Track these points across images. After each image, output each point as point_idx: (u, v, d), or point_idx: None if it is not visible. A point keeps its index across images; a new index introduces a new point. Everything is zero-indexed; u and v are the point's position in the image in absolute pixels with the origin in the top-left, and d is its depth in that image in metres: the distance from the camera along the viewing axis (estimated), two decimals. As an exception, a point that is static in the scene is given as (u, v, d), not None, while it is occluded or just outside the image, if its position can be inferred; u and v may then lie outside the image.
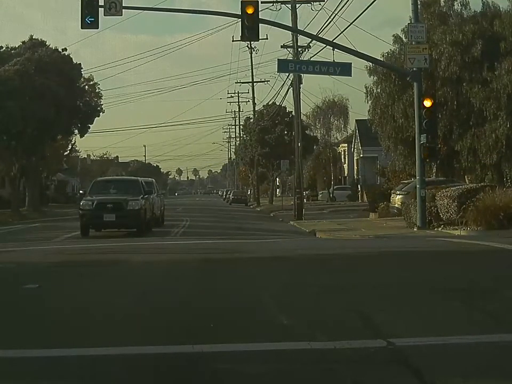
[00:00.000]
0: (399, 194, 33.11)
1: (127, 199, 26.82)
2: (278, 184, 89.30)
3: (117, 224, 27.00)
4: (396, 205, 32.58)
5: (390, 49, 33.99)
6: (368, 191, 46.69)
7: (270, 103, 68.31)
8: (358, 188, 65.58)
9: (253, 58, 75.06)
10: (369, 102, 34.74)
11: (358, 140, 66.76)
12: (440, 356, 6.58)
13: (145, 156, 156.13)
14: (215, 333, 7.81)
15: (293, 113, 46.85)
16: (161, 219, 33.64)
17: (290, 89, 43.93)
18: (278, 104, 64.22)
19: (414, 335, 7.38)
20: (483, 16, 32.07)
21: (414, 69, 25.57)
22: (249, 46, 70.21)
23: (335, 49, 26.41)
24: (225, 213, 52.00)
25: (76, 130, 55.96)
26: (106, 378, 6.35)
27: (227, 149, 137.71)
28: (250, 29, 23.95)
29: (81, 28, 23.82)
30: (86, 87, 56.29)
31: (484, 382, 5.96)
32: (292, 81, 42.56)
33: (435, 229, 24.74)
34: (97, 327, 8.40)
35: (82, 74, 54.34)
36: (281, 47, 41.51)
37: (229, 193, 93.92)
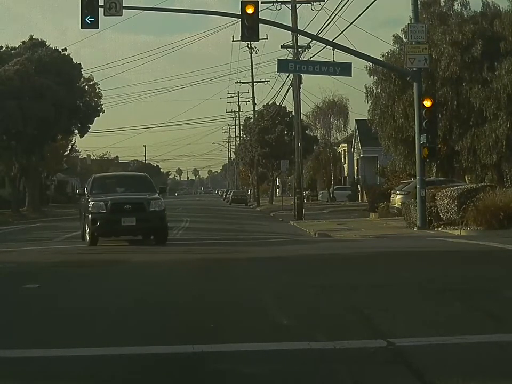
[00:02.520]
0: (399, 194, 33.10)
1: (148, 198, 21.66)
2: (278, 184, 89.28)
3: (137, 229, 21.61)
4: (396, 205, 32.57)
5: (390, 49, 34.00)
6: (368, 191, 46.68)
7: (270, 103, 68.36)
8: (358, 188, 65.56)
9: (253, 58, 75.03)
10: (369, 102, 34.72)
11: (358, 140, 66.73)
12: (440, 356, 6.58)
13: (145, 156, 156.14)
14: (215, 333, 7.81)
15: (293, 113, 46.85)
16: None
17: (290, 89, 43.95)
18: (278, 104, 64.26)
19: (414, 335, 7.38)
20: (483, 16, 32.05)
21: (414, 69, 25.57)
22: (249, 46, 70.22)
23: (335, 49, 26.42)
24: (225, 213, 52.00)
25: (76, 130, 56.02)
26: (106, 378, 6.35)
27: (227, 149, 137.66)
28: (250, 29, 23.95)
29: (81, 28, 23.82)
30: (86, 87, 56.37)
31: (483, 382, 5.95)
32: (292, 81, 42.55)
33: (435, 229, 24.73)
34: (97, 327, 8.40)
35: (82, 74, 54.42)
36: (281, 47, 41.53)
37: (228, 193, 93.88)
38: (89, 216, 20.99)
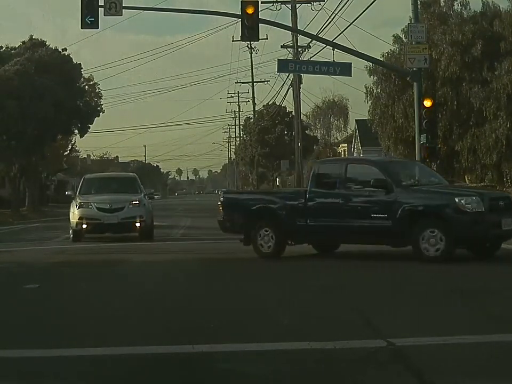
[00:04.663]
0: (399, 194, 33.04)
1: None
2: (278, 184, 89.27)
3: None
4: (396, 205, 32.50)
5: (390, 49, 34.00)
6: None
7: (270, 103, 68.24)
8: (358, 188, 65.49)
9: (253, 58, 74.75)
10: (369, 102, 34.73)
11: (358, 140, 66.68)
12: (440, 356, 6.58)
13: (145, 156, 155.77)
14: (215, 333, 7.82)
15: (293, 113, 46.85)
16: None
17: (290, 89, 43.94)
18: (278, 104, 64.23)
19: (414, 335, 7.39)
20: (483, 16, 32.07)
21: (414, 69, 25.53)
22: (249, 46, 70.01)
23: (335, 49, 26.36)
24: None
25: (76, 130, 55.95)
26: (106, 378, 6.35)
27: (227, 149, 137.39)
28: (250, 29, 23.92)
29: (81, 28, 23.79)
30: (86, 87, 56.27)
31: (483, 382, 5.96)
32: (292, 81, 42.54)
33: (435, 229, 24.69)
34: (98, 327, 8.40)
35: (82, 74, 54.36)
36: (281, 47, 41.51)
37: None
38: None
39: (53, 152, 60.33)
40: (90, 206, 22.11)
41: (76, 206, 22.22)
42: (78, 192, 23.61)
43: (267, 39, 54.45)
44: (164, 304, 9.92)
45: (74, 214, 22.07)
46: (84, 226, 21.86)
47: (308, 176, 15.56)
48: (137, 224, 22.10)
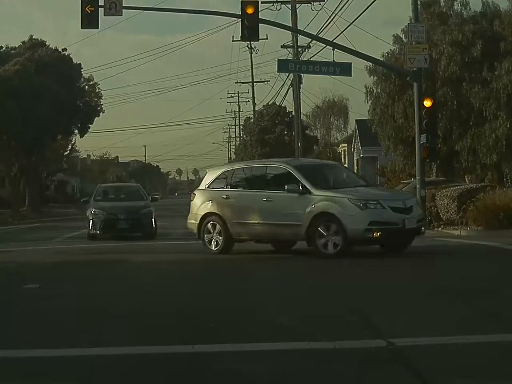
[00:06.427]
0: (399, 194, 33.05)
1: None
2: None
3: None
4: (396, 205, 32.50)
5: (390, 49, 33.94)
6: (368, 191, 46.53)
7: (270, 103, 68.26)
8: (358, 188, 65.49)
9: (253, 58, 74.81)
10: (369, 102, 34.68)
11: (358, 140, 66.68)
12: (440, 356, 6.58)
13: (145, 156, 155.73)
14: (215, 333, 7.82)
15: (293, 113, 46.87)
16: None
17: (290, 89, 43.96)
18: (278, 104, 64.21)
19: (414, 335, 7.39)
20: (483, 16, 32.04)
21: (414, 69, 25.54)
22: (249, 46, 70.02)
23: (335, 49, 26.37)
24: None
25: (76, 130, 55.99)
26: (105, 378, 6.35)
27: (227, 149, 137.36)
28: (250, 29, 23.92)
29: (81, 28, 23.82)
30: (86, 87, 56.29)
31: (483, 382, 5.96)
32: (292, 81, 42.56)
33: (435, 229, 24.70)
34: (98, 327, 8.40)
35: (82, 74, 54.41)
36: (281, 47, 41.56)
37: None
38: None
39: (53, 152, 60.35)
40: (379, 206, 15.64)
41: (363, 207, 15.43)
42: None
43: (267, 39, 54.46)
44: (165, 304, 9.92)
45: (357, 216, 15.38)
46: (376, 235, 15.45)
47: None
48: None
